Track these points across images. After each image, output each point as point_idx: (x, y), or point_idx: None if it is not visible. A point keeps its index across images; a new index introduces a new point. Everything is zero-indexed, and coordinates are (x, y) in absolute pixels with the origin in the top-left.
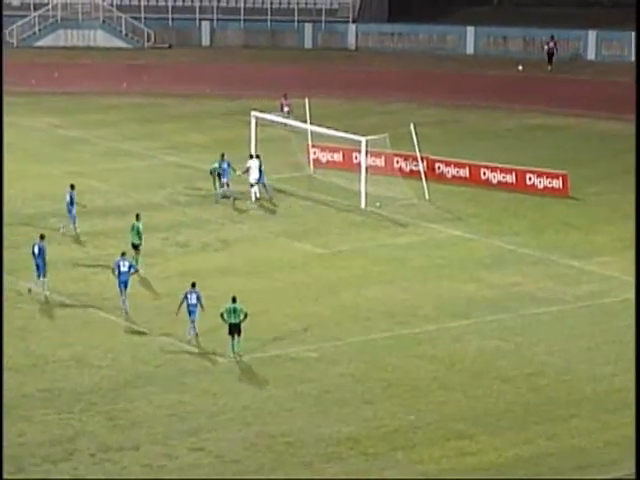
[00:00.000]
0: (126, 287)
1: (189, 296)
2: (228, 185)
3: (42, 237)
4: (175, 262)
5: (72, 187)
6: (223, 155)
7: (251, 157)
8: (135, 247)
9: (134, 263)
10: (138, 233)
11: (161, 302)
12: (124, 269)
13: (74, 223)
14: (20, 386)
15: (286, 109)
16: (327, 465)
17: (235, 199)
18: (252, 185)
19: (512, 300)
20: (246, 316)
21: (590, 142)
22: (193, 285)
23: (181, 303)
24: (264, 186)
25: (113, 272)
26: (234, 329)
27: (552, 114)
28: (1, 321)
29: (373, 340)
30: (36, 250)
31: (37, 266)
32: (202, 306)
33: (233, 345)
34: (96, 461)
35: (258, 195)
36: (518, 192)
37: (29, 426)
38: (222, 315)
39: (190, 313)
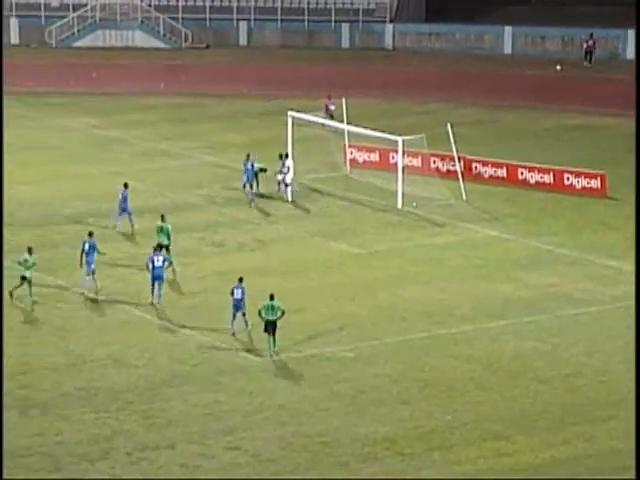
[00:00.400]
0: (161, 282)
1: (235, 291)
2: (251, 187)
3: (90, 234)
4: (211, 262)
5: (125, 186)
6: (249, 155)
7: (286, 156)
8: (162, 248)
9: (169, 258)
10: (167, 234)
11: (197, 301)
12: (158, 264)
13: (130, 221)
14: (58, 385)
15: (332, 107)
16: (363, 465)
17: (251, 201)
18: (287, 185)
19: (549, 300)
20: (283, 313)
21: (628, 142)
22: (240, 280)
23: (232, 293)
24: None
25: (147, 267)
26: (270, 326)
27: (590, 114)
28: (1, 320)
29: (410, 340)
30: (86, 247)
31: (87, 263)
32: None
33: (271, 343)
34: (133, 460)
35: (293, 196)
36: (556, 192)
37: (67, 425)
38: (260, 312)
39: (235, 308)
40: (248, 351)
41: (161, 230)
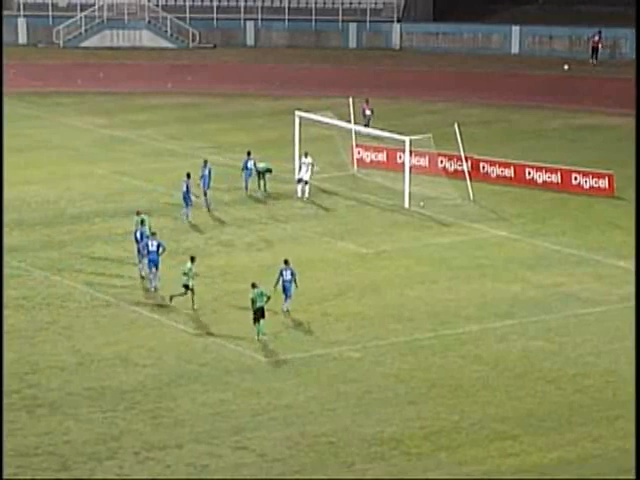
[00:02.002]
0: (157, 267)
1: (284, 272)
2: (246, 187)
3: (142, 222)
4: (218, 262)
5: (188, 176)
6: (249, 153)
7: (306, 155)
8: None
9: (163, 243)
10: (149, 226)
11: (204, 301)
12: (152, 249)
13: (188, 213)
14: (66, 384)
15: (368, 112)
16: (370, 465)
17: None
18: (300, 181)
19: (556, 300)
20: (269, 299)
21: (636, 142)
22: (286, 262)
23: (277, 280)
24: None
25: (140, 251)
26: (260, 312)
27: (598, 113)
28: (1, 320)
29: (416, 340)
30: (138, 235)
31: (138, 250)
32: (296, 284)
33: (259, 331)
34: (140, 459)
35: (307, 195)
36: (563, 192)
37: (74, 424)
38: (253, 301)
39: (285, 289)
40: (255, 351)
41: (142, 223)
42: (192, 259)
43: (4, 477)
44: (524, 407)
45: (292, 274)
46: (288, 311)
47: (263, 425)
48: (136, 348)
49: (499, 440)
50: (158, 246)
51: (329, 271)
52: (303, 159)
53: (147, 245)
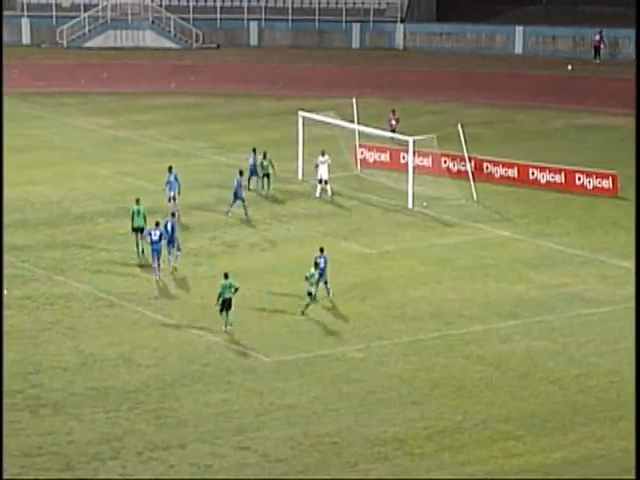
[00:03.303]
0: (159, 256)
1: (319, 260)
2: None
3: (173, 215)
4: (222, 262)
5: (240, 173)
6: (255, 150)
7: (323, 154)
8: (138, 231)
9: (164, 232)
10: (144, 216)
11: (207, 301)
12: (155, 238)
13: (244, 208)
14: (69, 385)
15: (393, 122)
16: (373, 465)
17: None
18: (320, 182)
19: (560, 301)
20: (237, 290)
21: (636, 142)
22: (321, 250)
23: (315, 267)
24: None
25: (144, 239)
26: (227, 303)
27: (601, 114)
28: (1, 320)
29: (420, 340)
30: (169, 227)
31: (168, 241)
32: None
33: (226, 321)
34: (143, 459)
35: (329, 194)
36: (567, 192)
37: (78, 424)
38: (221, 294)
39: (320, 276)
40: (258, 351)
41: (137, 213)
42: (316, 265)
43: (6, 477)
44: (527, 407)
45: (326, 262)
46: (333, 295)
47: (266, 425)
48: (139, 348)
49: (502, 440)
50: (161, 235)
51: (332, 271)
52: (320, 158)
53: (150, 234)
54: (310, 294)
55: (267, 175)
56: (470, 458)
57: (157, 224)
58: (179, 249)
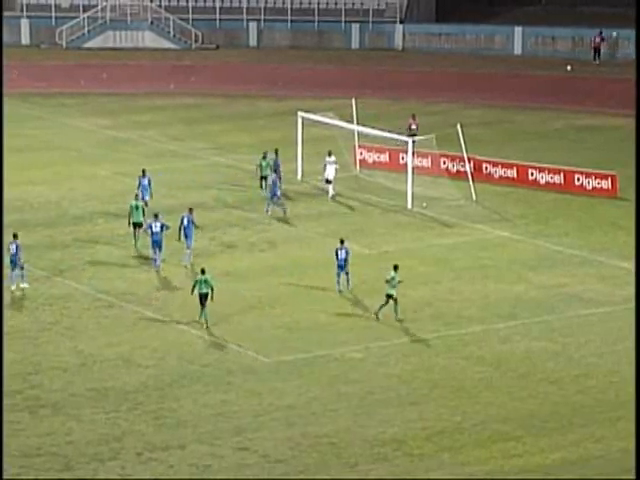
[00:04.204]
0: (160, 247)
1: (339, 252)
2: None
3: (191, 210)
4: (221, 262)
5: (275, 171)
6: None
7: (330, 154)
8: (137, 226)
9: (167, 224)
10: (143, 211)
11: (206, 302)
12: (156, 229)
13: (281, 205)
14: (69, 385)
15: (413, 127)
16: (372, 466)
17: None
18: (328, 182)
19: (559, 301)
20: (212, 289)
21: (636, 143)
22: (342, 242)
23: (337, 259)
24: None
25: (145, 232)
26: (204, 299)
27: (601, 114)
28: (1, 321)
29: (419, 341)
30: (185, 222)
31: (186, 237)
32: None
33: (203, 314)
34: (142, 460)
35: (334, 192)
36: (566, 193)
37: (77, 425)
38: (193, 287)
39: (340, 268)
40: (257, 352)
41: (136, 208)
42: (395, 268)
43: (6, 477)
44: (527, 408)
45: (347, 253)
46: (350, 289)
47: (265, 426)
48: (138, 349)
49: (502, 441)
50: (162, 227)
51: (332, 272)
52: (327, 158)
53: (151, 226)
54: (390, 296)
55: (265, 178)
56: (469, 459)
57: (156, 216)
58: (188, 247)
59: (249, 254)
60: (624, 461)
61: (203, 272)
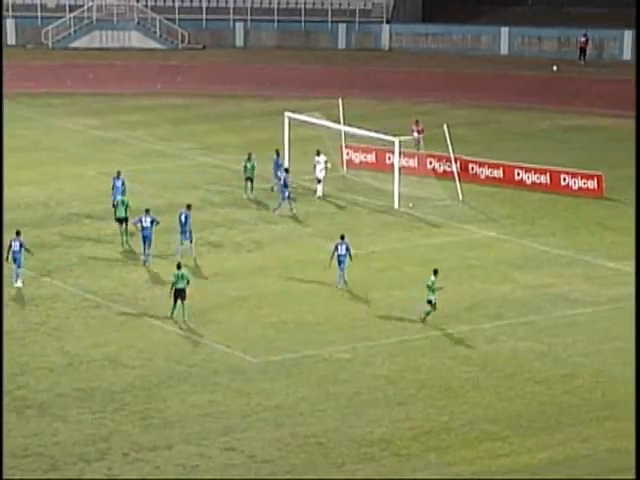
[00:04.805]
0: (149, 242)
1: (339, 247)
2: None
3: (189, 207)
4: (208, 262)
5: (286, 171)
6: (278, 152)
7: (318, 153)
8: (121, 221)
9: (157, 219)
10: (127, 207)
11: (193, 302)
12: (146, 224)
13: (290, 205)
14: (55, 385)
15: (416, 135)
16: (359, 466)
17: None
18: (319, 181)
19: (546, 301)
20: (188, 282)
21: (626, 143)
22: (342, 237)
23: (332, 254)
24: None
25: (135, 226)
26: (180, 294)
27: (587, 114)
28: (1, 321)
29: (406, 341)
30: (182, 218)
31: (183, 232)
32: (350, 257)
33: (174, 309)
34: (129, 461)
35: (320, 194)
36: (552, 193)
37: (64, 425)
38: (173, 283)
39: (340, 263)
40: (245, 352)
41: (122, 203)
42: (435, 272)
43: (4, 477)
44: (514, 408)
45: (347, 249)
46: (346, 283)
47: (253, 426)
48: (125, 349)
49: (489, 441)
50: (152, 222)
51: (319, 272)
52: (316, 158)
53: (141, 220)
54: (430, 302)
55: (250, 179)
56: (456, 459)
57: (147, 211)
58: (191, 241)
59: (236, 254)
60: (611, 461)
61: (179, 267)
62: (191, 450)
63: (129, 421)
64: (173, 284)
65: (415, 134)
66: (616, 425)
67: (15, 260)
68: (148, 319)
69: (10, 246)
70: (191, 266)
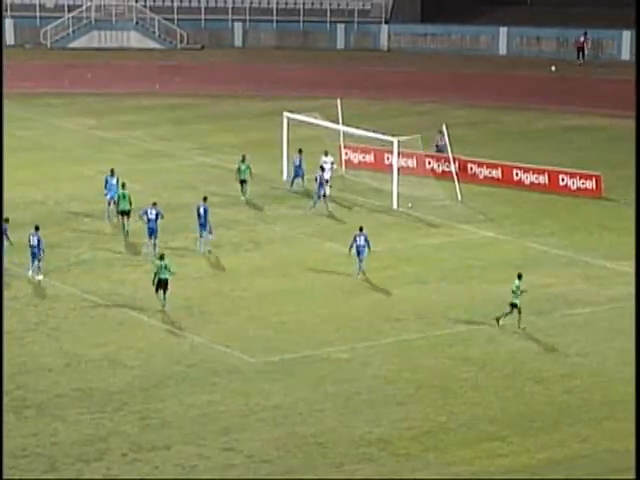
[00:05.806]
0: (155, 235)
1: (358, 238)
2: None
3: (205, 199)
4: (206, 262)
5: (322, 169)
6: (300, 150)
7: (326, 154)
8: (124, 214)
9: (162, 212)
10: (129, 200)
11: (192, 302)
12: (151, 216)
13: (325, 204)
14: (54, 386)
15: (441, 143)
16: (358, 466)
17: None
18: (326, 181)
19: (545, 301)
20: (172, 273)
21: (624, 143)
22: (361, 229)
23: (351, 245)
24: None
25: (141, 218)
26: (163, 284)
27: (586, 115)
28: (1, 321)
29: (405, 341)
30: (202, 211)
31: (202, 225)
32: (369, 248)
33: (162, 298)
34: (128, 461)
35: (327, 194)
36: (551, 193)
37: (62, 425)
38: (155, 274)
39: (359, 254)
40: (243, 352)
41: (123, 197)
42: (519, 276)
43: (4, 477)
44: (513, 408)
45: (365, 239)
46: (364, 272)
47: (251, 426)
48: (124, 349)
49: (488, 441)
50: (157, 215)
51: (317, 272)
52: (323, 158)
53: (146, 212)
54: (514, 306)
55: (244, 182)
56: (455, 459)
57: (154, 204)
58: (211, 232)
59: (234, 254)
60: (610, 461)
61: (162, 258)
62: (190, 450)
63: (128, 421)
64: (155, 274)
65: (441, 143)
66: (615, 425)
67: (34, 255)
68: (147, 319)
69: (29, 240)
70: (195, 264)
